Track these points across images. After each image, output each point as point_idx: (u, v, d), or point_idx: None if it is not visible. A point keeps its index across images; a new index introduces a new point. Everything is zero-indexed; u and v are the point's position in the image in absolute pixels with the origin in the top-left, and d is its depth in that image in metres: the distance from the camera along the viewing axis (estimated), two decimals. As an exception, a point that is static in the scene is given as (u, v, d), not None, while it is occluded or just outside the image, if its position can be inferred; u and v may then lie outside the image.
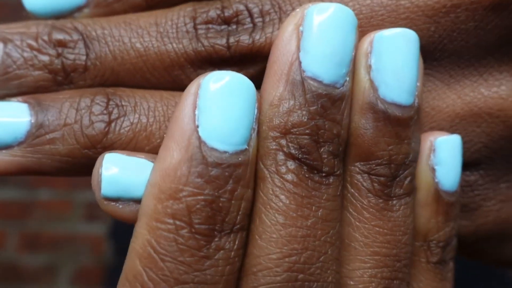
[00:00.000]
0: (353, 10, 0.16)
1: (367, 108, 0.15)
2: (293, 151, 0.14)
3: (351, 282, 0.15)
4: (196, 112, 0.14)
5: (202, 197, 0.13)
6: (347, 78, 0.15)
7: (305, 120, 0.14)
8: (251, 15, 0.16)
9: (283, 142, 0.14)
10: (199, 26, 0.16)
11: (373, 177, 0.15)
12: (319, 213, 0.14)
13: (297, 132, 0.14)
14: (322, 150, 0.14)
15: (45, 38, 0.15)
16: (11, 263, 1.20)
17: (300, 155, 0.14)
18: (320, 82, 0.14)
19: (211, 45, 0.15)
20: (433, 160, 0.16)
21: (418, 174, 0.16)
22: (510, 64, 0.18)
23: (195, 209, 0.13)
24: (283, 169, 0.14)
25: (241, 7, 0.16)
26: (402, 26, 0.16)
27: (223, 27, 0.16)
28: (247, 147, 0.14)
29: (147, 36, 0.16)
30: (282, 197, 0.14)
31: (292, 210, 0.14)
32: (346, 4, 0.16)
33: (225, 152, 0.13)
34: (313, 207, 0.14)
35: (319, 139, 0.14)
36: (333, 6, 0.14)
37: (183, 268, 0.13)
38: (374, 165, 0.15)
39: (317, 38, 0.14)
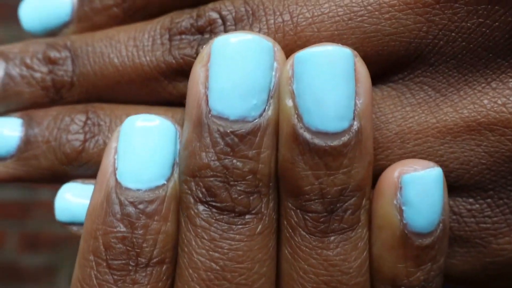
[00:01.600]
0: (328, 11, 0.14)
1: (291, 139, 0.14)
2: (200, 195, 0.14)
3: None
4: (116, 156, 0.14)
5: (115, 234, 0.14)
6: (265, 107, 0.14)
7: (211, 161, 0.14)
8: (224, 22, 0.15)
9: (192, 185, 0.14)
10: (173, 38, 0.16)
11: (305, 213, 0.14)
12: (231, 255, 0.14)
13: (204, 175, 0.14)
14: (232, 190, 0.14)
15: (39, 56, 0.17)
16: (11, 263, 1.20)
17: (207, 199, 0.14)
18: (225, 119, 0.14)
19: (180, 56, 0.15)
20: (400, 199, 0.14)
21: (381, 213, 0.14)
22: None
23: (109, 246, 0.14)
24: (192, 213, 0.14)
25: (215, 15, 0.15)
26: (386, 27, 0.14)
27: (196, 36, 0.15)
28: (164, 183, 0.14)
29: (124, 50, 0.16)
30: (192, 241, 0.14)
31: (201, 255, 0.14)
32: (321, 6, 0.15)
33: (138, 190, 0.14)
34: (224, 250, 0.14)
35: (228, 180, 0.14)
36: (235, 37, 0.14)
37: None
38: (303, 201, 0.14)
39: (216, 73, 0.14)
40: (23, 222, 1.20)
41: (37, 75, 0.16)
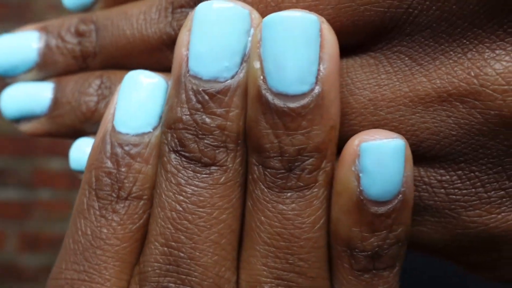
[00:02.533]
0: None
1: (256, 99, 0.15)
2: (173, 145, 0.16)
3: (248, 267, 0.16)
4: (115, 106, 0.17)
5: (103, 169, 0.16)
6: (237, 70, 0.15)
7: (184, 116, 0.15)
8: None
9: (168, 136, 0.16)
10: (175, 11, 0.17)
11: (265, 169, 0.15)
12: (193, 199, 0.15)
13: (177, 127, 0.16)
14: (200, 142, 0.15)
15: (72, 29, 0.19)
16: (10, 263, 1.20)
17: (178, 148, 0.16)
18: (199, 79, 0.15)
19: (178, 27, 0.17)
20: (358, 166, 0.15)
21: (340, 178, 0.15)
22: (507, 39, 0.14)
23: (98, 178, 0.16)
24: (165, 160, 0.16)
25: None
26: None
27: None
28: (150, 131, 0.16)
29: (135, 23, 0.18)
30: (163, 184, 0.16)
31: (168, 197, 0.16)
32: None
33: (127, 134, 0.16)
34: (187, 195, 0.15)
35: (197, 133, 0.15)
36: (214, 3, 0.15)
37: (86, 223, 0.16)
38: (264, 157, 0.15)
39: (195, 37, 0.15)
40: (23, 222, 1.20)
41: (69, 46, 0.19)
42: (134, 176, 0.16)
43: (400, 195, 0.15)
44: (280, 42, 0.14)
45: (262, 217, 0.15)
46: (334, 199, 0.15)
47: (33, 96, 0.19)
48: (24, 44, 0.19)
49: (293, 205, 0.15)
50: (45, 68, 0.20)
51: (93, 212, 0.16)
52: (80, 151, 0.19)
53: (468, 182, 0.16)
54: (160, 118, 0.16)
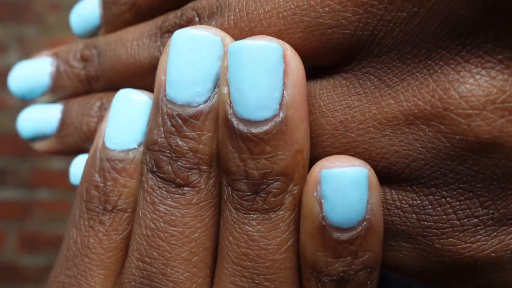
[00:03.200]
0: (277, 7, 0.15)
1: (223, 123, 0.15)
2: (150, 165, 0.16)
3: (218, 284, 0.16)
4: (107, 123, 0.17)
5: (92, 182, 0.17)
6: (209, 95, 0.16)
7: (159, 138, 0.16)
8: (200, 19, 0.17)
9: (147, 156, 0.17)
10: (163, 35, 0.18)
11: (233, 191, 0.16)
12: (166, 218, 0.16)
13: (154, 149, 0.16)
14: (174, 164, 0.16)
15: (77, 55, 0.20)
16: (10, 264, 1.19)
17: (154, 169, 0.16)
18: (174, 103, 0.16)
19: None
20: (319, 192, 0.15)
21: (304, 202, 0.15)
22: (471, 61, 0.14)
23: (87, 191, 0.17)
24: (143, 179, 0.17)
25: (192, 12, 0.17)
26: (327, 20, 0.15)
27: None
28: (135, 147, 0.17)
29: (129, 48, 0.19)
30: (140, 202, 0.17)
31: (144, 215, 0.16)
32: (271, 2, 0.15)
33: (114, 150, 0.17)
34: (161, 214, 0.16)
35: (171, 155, 0.16)
36: (188, 33, 0.15)
37: (77, 232, 0.17)
38: (231, 180, 0.16)
39: (172, 63, 0.16)
40: (23, 222, 1.20)
41: (75, 70, 0.20)
42: (119, 190, 0.17)
43: (365, 222, 0.15)
44: (243, 69, 0.15)
45: (230, 237, 0.16)
46: (301, 223, 0.16)
47: (44, 118, 0.21)
48: (39, 69, 0.21)
49: (259, 226, 0.16)
50: (56, 91, 0.21)
51: (83, 222, 0.17)
52: (79, 167, 0.20)
53: (439, 208, 0.15)
54: (143, 135, 0.17)
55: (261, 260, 0.16)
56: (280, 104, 0.15)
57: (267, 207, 0.15)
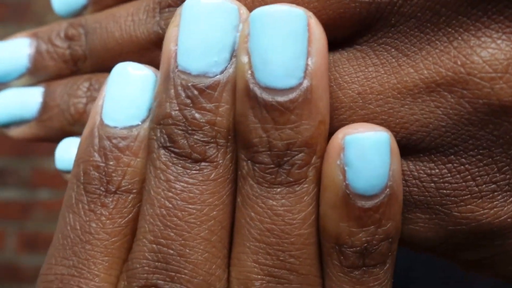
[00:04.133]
0: None
1: (244, 93, 0.15)
2: (162, 141, 0.15)
3: (239, 264, 0.16)
4: (103, 99, 0.16)
5: (91, 163, 0.16)
6: (226, 65, 0.15)
7: (173, 111, 0.15)
8: None
9: (157, 132, 0.16)
10: (162, 11, 0.17)
11: (254, 164, 0.15)
12: (183, 196, 0.15)
13: (166, 123, 0.15)
14: (190, 138, 0.15)
15: (61, 34, 0.19)
16: (10, 264, 1.19)
17: (167, 144, 0.15)
18: (188, 74, 0.15)
19: (166, 26, 0.17)
20: (343, 160, 0.15)
21: (326, 172, 0.15)
22: (491, 27, 0.14)
23: (86, 172, 0.16)
24: (154, 156, 0.16)
25: None
26: None
27: None
28: (138, 123, 0.16)
29: (124, 24, 0.18)
30: (152, 181, 0.16)
31: (157, 193, 0.15)
32: None
33: (115, 127, 0.16)
34: (177, 191, 0.15)
35: (187, 129, 0.15)
36: (200, 1, 0.15)
37: (75, 217, 0.16)
38: (253, 152, 0.15)
39: (184, 33, 0.15)
40: (22, 222, 1.20)
41: (59, 50, 0.19)
42: (122, 170, 0.16)
43: (388, 189, 0.15)
44: (267, 36, 0.14)
45: (252, 213, 0.15)
46: (321, 194, 0.15)
47: (22, 101, 0.20)
48: (15, 51, 0.20)
49: (283, 200, 0.15)
50: (36, 73, 0.20)
51: (82, 207, 0.16)
52: (66, 150, 0.19)
53: (458, 176, 0.15)
54: (149, 111, 0.16)
55: (286, 236, 0.15)
56: (305, 72, 0.14)
57: (291, 179, 0.15)
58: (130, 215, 0.16)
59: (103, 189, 0.16)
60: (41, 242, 1.19)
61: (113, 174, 0.16)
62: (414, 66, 0.15)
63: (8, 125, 0.20)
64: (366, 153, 0.14)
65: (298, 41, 0.14)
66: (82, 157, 0.16)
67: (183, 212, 0.15)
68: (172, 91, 0.15)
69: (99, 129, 0.16)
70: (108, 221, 0.16)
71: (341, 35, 0.16)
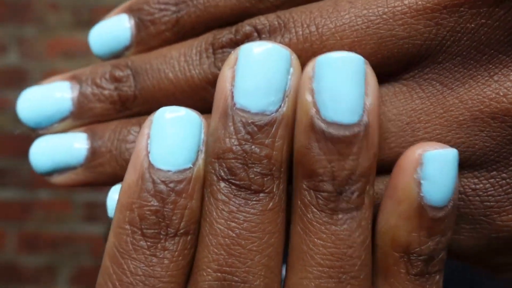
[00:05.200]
0: (348, 22, 0.17)
1: (309, 128, 0.16)
2: (222, 174, 0.17)
3: None
4: (148, 141, 0.17)
5: (149, 207, 0.16)
6: (281, 105, 0.16)
7: (233, 146, 0.16)
8: (259, 35, 0.18)
9: (216, 166, 0.17)
10: (216, 51, 0.18)
11: (317, 193, 0.16)
12: (245, 225, 0.16)
13: (227, 157, 0.16)
14: (250, 171, 0.16)
15: (107, 76, 0.20)
16: (10, 264, 1.19)
17: (228, 177, 0.16)
18: (248, 112, 0.16)
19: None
20: (420, 174, 0.16)
21: (402, 186, 0.16)
22: None
23: (144, 217, 0.17)
24: (214, 189, 0.17)
25: (251, 29, 0.18)
26: (400, 32, 0.17)
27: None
28: (191, 166, 0.17)
29: (177, 65, 0.19)
30: (213, 212, 0.17)
31: (219, 224, 0.16)
32: (342, 17, 0.17)
33: (168, 171, 0.17)
34: (239, 221, 0.16)
35: (247, 162, 0.16)
36: (260, 46, 0.16)
37: (136, 263, 0.17)
38: (317, 182, 0.16)
39: (243, 74, 0.16)
40: (22, 223, 1.20)
41: (106, 92, 0.20)
42: (180, 213, 0.17)
43: (452, 201, 0.17)
44: (336, 77, 0.16)
45: (316, 239, 0.16)
46: (392, 208, 0.17)
47: (67, 148, 0.20)
48: (56, 94, 0.20)
49: (345, 225, 0.16)
50: (80, 116, 0.20)
51: (142, 252, 0.17)
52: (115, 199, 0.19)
53: (500, 189, 0.17)
54: (197, 153, 0.17)
55: (348, 258, 0.16)
56: (364, 110, 0.16)
57: (352, 206, 0.16)
58: (189, 256, 0.17)
59: (163, 233, 0.17)
60: (41, 242, 1.19)
61: (173, 218, 0.17)
62: (458, 97, 0.17)
63: (51, 172, 0.20)
64: (445, 168, 0.16)
65: (360, 82, 0.16)
66: (135, 202, 0.17)
67: (246, 241, 0.16)
68: (232, 127, 0.16)
69: (151, 173, 0.17)
70: (172, 264, 0.17)
71: (390, 71, 0.17)
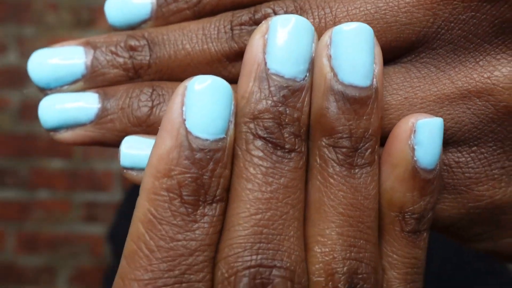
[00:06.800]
0: (359, 6, 0.19)
1: (329, 90, 0.18)
2: (259, 132, 0.18)
3: (322, 239, 0.18)
4: (184, 109, 0.17)
5: (189, 175, 0.17)
6: (307, 74, 0.18)
7: (270, 107, 0.18)
8: (276, 15, 0.19)
9: (252, 125, 0.18)
10: (234, 28, 0.20)
11: (337, 149, 0.18)
12: (281, 181, 0.17)
13: (263, 117, 0.18)
14: (284, 131, 0.18)
15: (122, 44, 0.21)
16: (9, 264, 1.19)
17: (265, 135, 0.18)
18: (282, 77, 0.18)
19: (242, 41, 0.20)
20: (413, 140, 0.18)
21: (397, 152, 0.18)
22: (507, 52, 0.19)
23: (184, 184, 0.17)
24: (251, 147, 0.18)
25: (269, 10, 0.19)
26: (403, 19, 0.19)
27: (253, 27, 0.20)
28: (225, 136, 0.17)
29: (195, 38, 0.20)
30: (251, 169, 0.17)
31: (257, 179, 0.17)
32: (354, 2, 0.19)
33: (206, 140, 0.17)
34: (276, 176, 0.17)
35: (281, 122, 0.18)
36: (291, 18, 0.18)
37: (176, 229, 0.17)
38: (336, 139, 0.18)
39: (278, 43, 0.18)
40: (22, 223, 1.20)
41: (120, 59, 0.21)
42: (217, 180, 0.17)
43: (439, 165, 0.19)
44: (352, 45, 0.18)
45: (337, 191, 0.18)
46: (389, 171, 0.19)
47: (78, 105, 0.20)
48: (70, 57, 0.20)
49: (361, 179, 0.18)
50: (91, 80, 0.21)
51: (182, 218, 0.17)
52: (132, 148, 0.20)
53: (479, 162, 0.20)
54: (229, 123, 0.18)
55: (365, 209, 0.18)
56: (374, 75, 0.18)
57: (366, 162, 0.18)
58: (223, 220, 0.18)
59: (202, 199, 0.17)
60: (40, 243, 1.19)
61: (212, 185, 0.17)
62: (450, 78, 0.19)
63: (58, 128, 0.20)
64: (434, 134, 0.18)
65: (371, 50, 0.18)
66: (173, 169, 0.17)
67: (282, 195, 0.17)
68: (267, 90, 0.18)
69: (191, 140, 0.17)
70: (211, 229, 0.17)
71: (391, 55, 0.19)
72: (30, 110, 1.18)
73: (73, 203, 1.18)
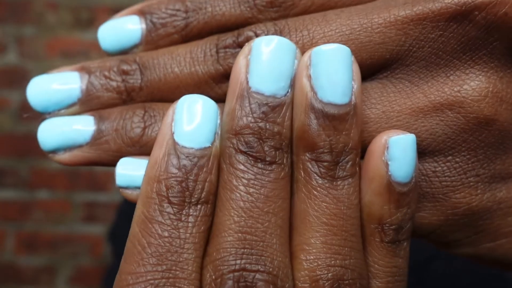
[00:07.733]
0: (335, 28, 0.20)
1: (309, 108, 0.19)
2: (241, 147, 0.19)
3: (308, 247, 0.19)
4: (173, 124, 0.19)
5: (174, 179, 0.19)
6: (288, 90, 0.19)
7: (250, 123, 0.19)
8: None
9: (234, 141, 0.19)
10: (220, 51, 0.21)
11: (319, 163, 0.19)
12: (262, 191, 0.19)
13: (244, 133, 0.19)
14: (264, 144, 0.19)
15: (115, 69, 0.22)
16: (9, 264, 1.19)
17: (246, 149, 0.19)
18: (262, 94, 0.19)
19: (226, 64, 0.21)
20: (387, 156, 0.19)
21: (373, 167, 0.20)
22: (475, 67, 0.21)
23: (170, 186, 0.19)
24: (234, 160, 0.19)
25: (251, 33, 0.21)
26: (376, 39, 0.20)
27: (237, 50, 0.21)
28: (210, 145, 0.19)
29: (183, 61, 0.21)
30: (233, 180, 0.19)
31: (239, 190, 0.19)
32: (330, 25, 0.21)
33: (192, 148, 0.19)
34: (257, 187, 0.19)
35: (261, 137, 0.19)
36: (274, 39, 0.19)
37: (164, 227, 0.19)
38: (318, 153, 0.19)
39: (259, 62, 0.19)
40: (22, 223, 1.20)
41: (113, 83, 0.22)
42: (202, 184, 0.19)
43: (414, 178, 0.20)
44: (330, 65, 0.19)
45: (320, 202, 0.19)
46: (367, 186, 0.20)
47: (75, 128, 0.22)
48: (66, 82, 0.22)
49: (344, 190, 0.19)
50: (87, 103, 0.22)
51: (169, 217, 0.19)
52: (126, 168, 0.21)
53: (454, 171, 0.21)
54: (215, 134, 0.20)
55: (348, 218, 0.19)
56: (352, 92, 0.19)
57: (347, 174, 0.19)
58: (208, 222, 0.19)
59: (187, 201, 0.19)
60: (40, 243, 1.19)
61: (196, 188, 0.19)
62: (423, 92, 0.21)
63: (57, 150, 0.22)
64: (406, 149, 0.19)
65: (349, 69, 0.19)
66: (162, 174, 0.19)
67: (263, 204, 0.19)
68: (249, 107, 0.19)
69: (177, 150, 0.19)
70: (195, 228, 0.19)
71: (367, 72, 0.21)
72: (30, 110, 1.18)
73: (73, 203, 1.18)
